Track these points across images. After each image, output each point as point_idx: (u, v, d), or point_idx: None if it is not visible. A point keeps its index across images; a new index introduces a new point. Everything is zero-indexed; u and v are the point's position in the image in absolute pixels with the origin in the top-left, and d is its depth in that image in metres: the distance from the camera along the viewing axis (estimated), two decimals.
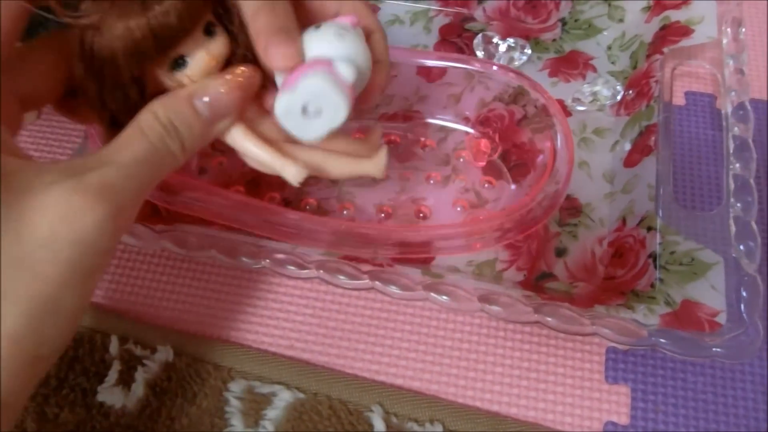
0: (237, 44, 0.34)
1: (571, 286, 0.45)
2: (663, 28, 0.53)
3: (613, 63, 0.55)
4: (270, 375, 0.42)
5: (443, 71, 0.49)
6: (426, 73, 0.51)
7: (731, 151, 0.46)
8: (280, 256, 0.42)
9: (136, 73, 0.32)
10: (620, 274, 0.44)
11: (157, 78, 0.33)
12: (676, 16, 0.53)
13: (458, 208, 0.48)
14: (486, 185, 0.49)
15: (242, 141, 0.35)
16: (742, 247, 0.42)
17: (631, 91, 0.52)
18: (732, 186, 0.44)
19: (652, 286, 0.41)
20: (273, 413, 0.40)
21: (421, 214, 0.48)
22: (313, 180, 0.50)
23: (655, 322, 0.39)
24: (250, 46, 0.34)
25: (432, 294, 0.41)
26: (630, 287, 0.43)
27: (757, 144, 0.46)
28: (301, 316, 0.45)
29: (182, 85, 0.33)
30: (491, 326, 0.44)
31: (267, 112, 0.36)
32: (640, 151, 0.48)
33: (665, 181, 0.45)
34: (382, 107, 0.53)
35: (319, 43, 0.33)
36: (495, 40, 0.56)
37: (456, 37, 0.58)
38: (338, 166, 0.39)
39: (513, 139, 0.49)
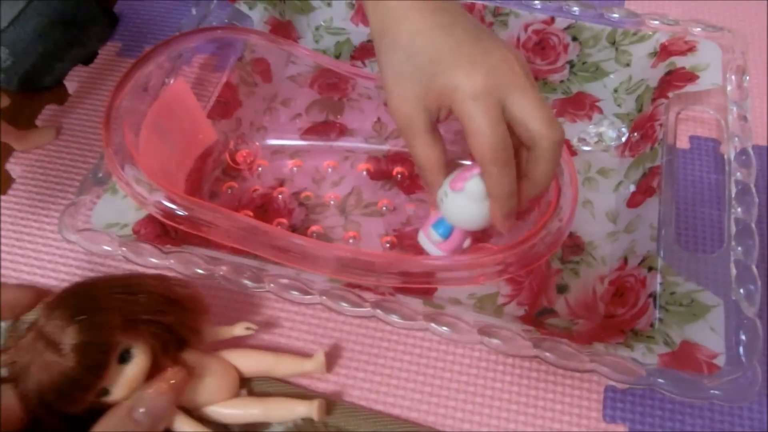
0: (161, 341, 0.38)
1: (571, 323, 0.45)
2: (668, 73, 0.54)
3: (619, 105, 0.56)
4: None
5: None
6: None
7: (733, 195, 0.46)
8: (284, 281, 0.43)
9: (67, 409, 0.35)
10: (620, 312, 0.44)
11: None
12: (681, 62, 0.54)
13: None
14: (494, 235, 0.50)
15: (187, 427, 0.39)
16: (742, 291, 0.42)
17: (636, 134, 0.53)
18: (733, 229, 0.45)
19: (652, 325, 0.42)
20: None
21: None
22: (320, 208, 0.51)
23: (654, 362, 0.40)
24: (169, 338, 0.38)
25: (432, 324, 0.41)
26: (630, 326, 0.43)
27: (759, 189, 0.47)
28: (301, 342, 0.45)
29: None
30: (490, 360, 0.44)
31: (209, 376, 0.40)
32: (643, 192, 0.49)
33: (667, 222, 0.45)
34: (391, 140, 0.54)
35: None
36: None
37: None
38: (284, 368, 0.43)
39: (519, 176, 0.50)
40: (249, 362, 0.42)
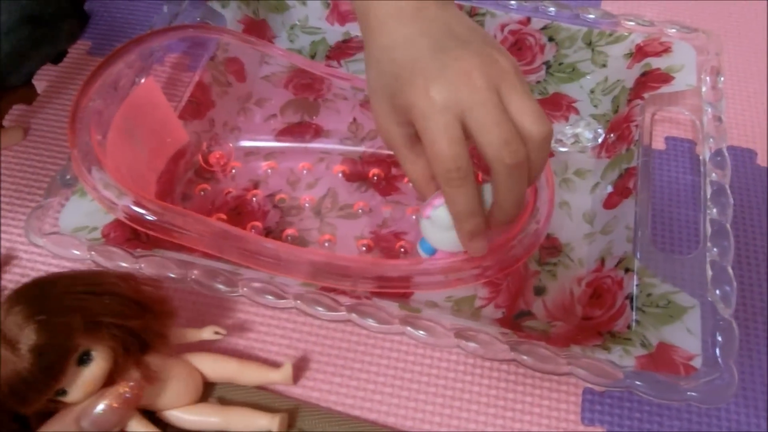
0: (123, 344, 0.37)
1: (548, 325, 0.45)
2: (644, 74, 0.54)
3: (595, 106, 0.56)
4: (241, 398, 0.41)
5: None
6: None
7: (709, 197, 0.46)
8: (257, 285, 0.42)
9: (20, 409, 0.34)
10: (597, 314, 0.44)
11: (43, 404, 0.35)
12: (657, 63, 0.54)
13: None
14: None
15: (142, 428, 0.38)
16: (718, 292, 0.42)
17: (612, 135, 0.53)
18: (709, 230, 0.45)
19: (629, 327, 0.41)
20: None
21: (402, 249, 0.48)
22: (295, 210, 0.50)
23: (631, 364, 0.39)
24: (132, 341, 0.37)
25: (408, 328, 0.41)
26: (607, 328, 0.43)
27: (734, 190, 0.47)
28: (276, 346, 0.45)
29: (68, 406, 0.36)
30: (468, 363, 0.44)
31: (173, 380, 0.39)
32: (619, 193, 0.48)
33: (643, 223, 0.45)
34: (367, 142, 0.54)
35: None
36: None
37: None
38: (249, 376, 0.42)
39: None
40: (214, 367, 0.41)
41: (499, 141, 0.31)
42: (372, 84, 0.36)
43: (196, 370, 0.41)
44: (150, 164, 0.49)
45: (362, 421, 0.41)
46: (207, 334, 0.42)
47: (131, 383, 0.37)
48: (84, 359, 0.35)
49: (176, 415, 0.40)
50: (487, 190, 0.36)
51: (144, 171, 0.48)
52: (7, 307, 0.34)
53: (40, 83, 0.59)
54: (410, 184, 0.51)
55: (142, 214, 0.40)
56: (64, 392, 0.35)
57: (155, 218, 0.40)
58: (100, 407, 0.35)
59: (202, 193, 0.51)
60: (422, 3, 0.35)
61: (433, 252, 0.40)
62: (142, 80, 0.48)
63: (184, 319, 0.45)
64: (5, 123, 0.57)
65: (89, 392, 0.36)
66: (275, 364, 0.43)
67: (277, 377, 0.42)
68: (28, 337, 0.33)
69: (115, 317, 0.36)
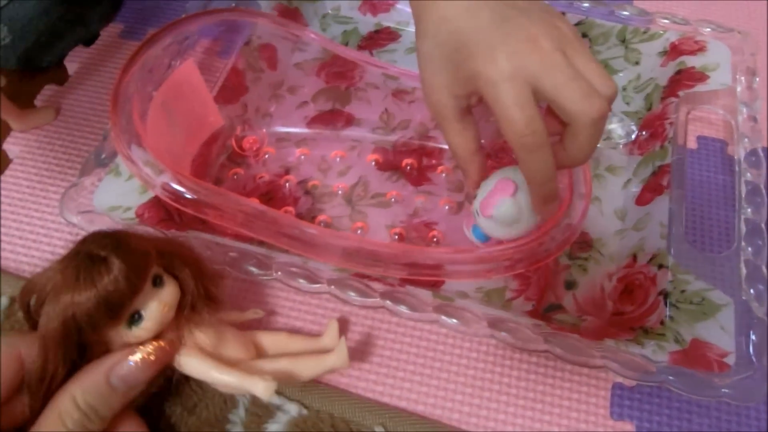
0: (185, 287, 0.37)
1: (579, 320, 0.45)
2: (678, 72, 0.54)
3: (627, 103, 0.56)
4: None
5: None
6: None
7: (743, 196, 0.46)
8: (292, 269, 0.42)
9: (90, 338, 0.34)
10: (629, 310, 0.44)
11: (110, 338, 0.35)
12: (691, 62, 0.54)
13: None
14: None
15: (204, 370, 0.37)
16: (752, 291, 0.42)
17: (645, 132, 0.53)
18: (743, 229, 0.45)
19: (662, 323, 0.41)
20: (274, 427, 0.40)
21: (435, 239, 0.48)
22: (327, 197, 0.50)
23: (665, 359, 0.39)
24: (195, 289, 0.38)
25: (442, 316, 0.41)
26: (639, 323, 0.43)
27: None
28: (305, 332, 0.45)
29: (140, 340, 0.36)
30: (498, 354, 0.44)
31: (227, 339, 0.39)
32: (652, 190, 0.48)
33: (678, 220, 0.45)
34: (398, 131, 0.54)
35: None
36: None
37: None
38: (306, 368, 0.40)
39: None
40: (270, 366, 0.40)
41: (581, 95, 0.32)
42: (427, 56, 0.36)
43: (250, 341, 0.41)
44: (186, 147, 0.49)
45: (391, 408, 0.41)
46: (250, 314, 0.42)
47: (156, 344, 0.36)
48: (157, 282, 0.36)
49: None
50: None
51: (180, 153, 0.48)
52: (85, 239, 0.35)
53: (71, 65, 0.59)
54: (443, 175, 0.51)
55: (180, 191, 0.40)
56: (140, 316, 0.35)
57: (193, 196, 0.40)
58: (129, 361, 0.35)
59: (235, 177, 0.51)
60: None
61: (487, 239, 0.41)
62: (178, 63, 0.48)
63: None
64: (37, 103, 0.57)
65: (162, 318, 0.36)
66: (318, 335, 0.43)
67: (335, 360, 0.40)
68: (114, 254, 0.34)
69: (179, 256, 0.38)
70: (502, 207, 0.37)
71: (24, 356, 0.34)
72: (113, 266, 0.33)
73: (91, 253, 0.34)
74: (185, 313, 0.37)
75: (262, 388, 0.36)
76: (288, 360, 0.40)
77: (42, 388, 0.34)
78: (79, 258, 0.34)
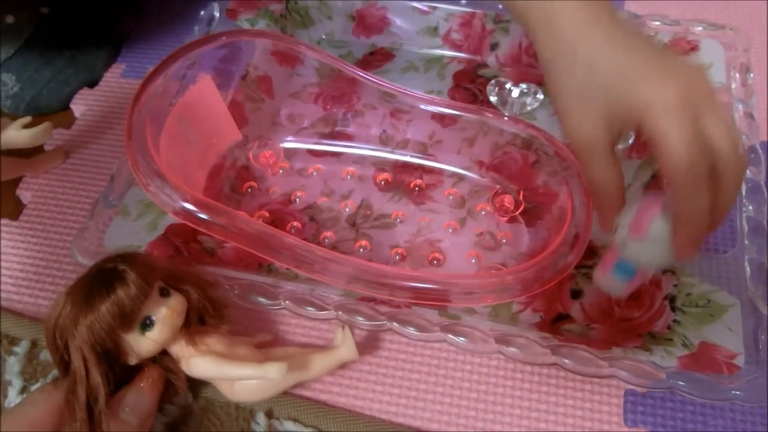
0: (190, 300, 0.40)
1: (587, 328, 0.45)
2: None
3: None
4: (287, 412, 0.42)
5: (457, 116, 0.51)
6: (440, 118, 0.52)
7: (744, 194, 0.46)
8: (299, 297, 0.43)
9: (113, 349, 0.37)
10: (636, 315, 0.44)
11: (129, 346, 0.37)
12: None
13: (472, 260, 0.49)
14: (504, 240, 0.50)
15: (217, 367, 0.39)
16: (757, 290, 0.42)
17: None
18: (746, 228, 0.45)
19: (669, 328, 0.42)
20: None
21: (435, 261, 0.49)
22: (331, 222, 0.51)
23: (673, 365, 0.40)
24: (200, 302, 0.40)
25: (450, 336, 0.41)
26: (646, 329, 0.43)
27: None
28: None
29: (153, 347, 0.38)
30: (508, 368, 0.44)
31: (238, 346, 0.41)
32: None
33: None
34: (398, 152, 0.55)
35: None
36: (508, 86, 0.57)
37: (470, 83, 0.59)
38: (318, 364, 0.42)
39: (527, 183, 0.50)
40: (279, 352, 0.43)
41: (734, 142, 0.32)
42: (577, 89, 0.36)
43: (260, 352, 0.42)
44: (202, 161, 0.51)
45: (407, 428, 0.42)
46: (259, 338, 0.44)
47: (150, 368, 0.39)
48: (163, 292, 0.38)
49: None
50: None
51: (195, 167, 0.50)
52: (101, 264, 0.38)
53: (77, 107, 0.61)
54: (443, 195, 0.52)
55: (192, 210, 0.41)
56: (151, 322, 0.37)
57: (205, 216, 0.41)
58: (133, 391, 0.38)
59: (250, 189, 0.53)
60: (610, 11, 0.36)
61: (633, 274, 0.39)
62: (179, 98, 0.49)
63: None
64: (46, 146, 0.58)
65: (172, 323, 0.38)
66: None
67: (344, 353, 0.42)
68: (121, 267, 0.36)
69: (182, 278, 0.40)
70: (657, 223, 0.36)
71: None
72: (124, 274, 0.36)
73: (102, 268, 0.37)
74: (194, 323, 0.40)
75: (275, 370, 0.38)
76: (298, 359, 0.42)
77: (88, 412, 0.36)
78: (90, 276, 0.37)
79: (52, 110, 0.60)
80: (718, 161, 0.33)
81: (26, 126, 0.50)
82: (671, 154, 0.32)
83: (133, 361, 0.38)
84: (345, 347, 0.42)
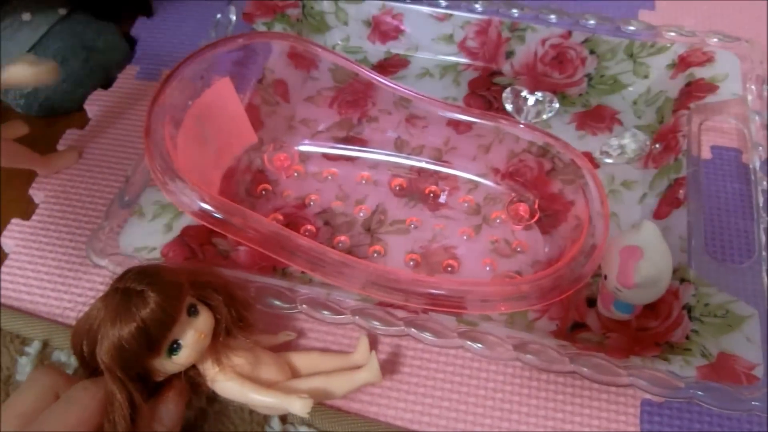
0: (219, 314, 0.39)
1: (603, 337, 0.45)
2: (688, 84, 0.54)
3: (638, 117, 0.57)
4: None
5: (472, 123, 0.51)
6: (455, 124, 0.52)
7: (762, 205, 0.46)
8: (316, 301, 0.43)
9: (139, 367, 0.37)
10: (653, 325, 0.44)
11: (154, 368, 0.38)
12: (700, 73, 0.54)
13: (487, 267, 0.49)
14: (518, 248, 0.50)
15: (243, 393, 0.39)
16: None
17: (658, 145, 0.53)
18: (763, 239, 0.45)
19: (687, 337, 0.41)
20: None
21: (450, 268, 0.49)
22: (346, 227, 0.51)
23: (692, 375, 0.39)
24: (228, 315, 0.39)
25: (467, 342, 0.41)
26: (664, 339, 0.43)
27: None
28: None
29: (179, 368, 0.38)
30: (524, 376, 0.44)
31: (263, 361, 0.40)
32: (669, 203, 0.49)
33: (696, 233, 0.45)
34: (413, 157, 0.54)
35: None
36: (523, 93, 0.58)
37: (485, 91, 0.59)
38: (339, 385, 0.42)
39: (543, 190, 0.50)
40: (305, 386, 0.41)
41: None
42: None
43: (284, 362, 0.42)
44: (217, 162, 0.50)
45: None
46: (282, 337, 0.44)
47: (173, 382, 0.39)
48: (192, 311, 0.38)
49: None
50: None
51: (211, 168, 0.50)
52: (122, 277, 0.37)
53: (91, 107, 0.61)
54: (458, 201, 0.52)
55: (209, 210, 0.41)
56: (178, 345, 0.37)
57: (220, 216, 0.41)
58: (165, 406, 0.38)
59: (264, 192, 0.53)
60: None
61: (633, 308, 0.43)
62: (194, 101, 0.49)
63: None
64: (60, 147, 0.58)
65: (199, 344, 0.37)
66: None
67: (367, 375, 0.41)
68: (149, 288, 0.36)
69: (211, 285, 0.40)
70: (642, 272, 0.39)
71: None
72: (150, 299, 0.35)
73: (128, 289, 0.36)
74: (221, 339, 0.39)
75: (299, 406, 0.37)
76: (322, 379, 0.41)
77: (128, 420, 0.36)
78: (117, 294, 0.36)
79: (65, 111, 0.60)
80: None
81: (34, 128, 0.49)
82: None
83: (159, 378, 0.38)
84: (369, 371, 0.41)
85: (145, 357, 0.36)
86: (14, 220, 0.53)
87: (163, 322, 0.36)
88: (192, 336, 0.37)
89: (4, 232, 0.53)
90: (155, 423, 0.37)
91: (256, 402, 0.39)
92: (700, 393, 0.38)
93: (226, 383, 0.39)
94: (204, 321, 0.38)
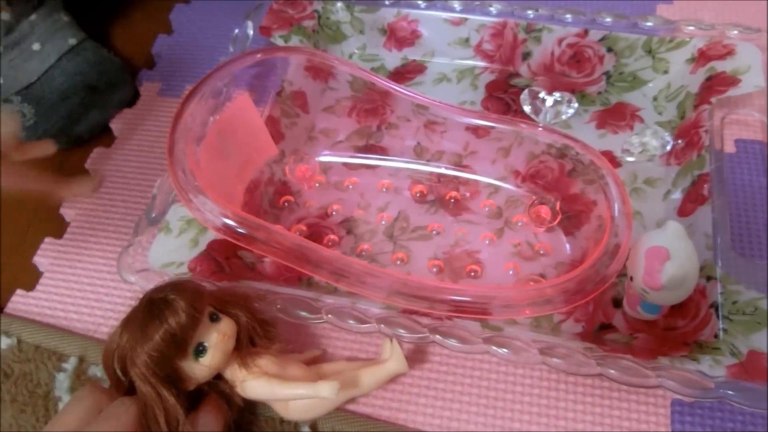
0: (239, 323, 0.41)
1: (630, 338, 0.45)
2: (709, 78, 0.53)
3: (659, 113, 0.56)
4: (331, 425, 0.43)
5: (491, 127, 0.51)
6: (474, 128, 0.52)
7: None
8: (341, 311, 0.43)
9: (170, 370, 0.38)
10: (681, 324, 0.44)
11: (184, 372, 0.39)
12: (721, 66, 0.53)
13: (510, 271, 0.49)
14: (541, 251, 0.50)
15: (270, 388, 0.40)
16: None
17: (680, 141, 0.53)
18: None
19: (716, 336, 0.41)
20: None
21: (473, 273, 0.49)
22: (368, 234, 0.51)
23: (722, 374, 0.39)
24: (250, 324, 0.41)
25: (493, 347, 0.41)
26: (692, 338, 0.42)
27: None
28: None
29: (207, 372, 0.39)
30: (552, 378, 0.44)
31: (290, 366, 0.41)
32: (693, 200, 0.48)
33: (722, 230, 0.45)
34: (433, 164, 0.55)
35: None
36: (541, 95, 0.57)
37: (502, 93, 0.59)
38: (368, 379, 0.43)
39: (564, 191, 0.50)
40: (328, 367, 0.44)
41: None
42: None
43: (311, 368, 0.43)
44: (240, 175, 0.51)
45: None
46: (308, 354, 0.45)
47: (211, 396, 0.41)
48: (213, 318, 0.39)
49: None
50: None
51: (234, 182, 0.51)
52: (145, 294, 0.39)
53: (117, 126, 0.62)
54: (480, 206, 0.52)
55: (233, 226, 0.42)
56: (204, 348, 0.38)
57: (244, 231, 0.42)
58: (203, 416, 0.40)
59: (287, 203, 0.54)
60: None
61: (660, 309, 0.43)
62: (216, 116, 0.50)
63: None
64: (87, 166, 0.60)
65: (224, 347, 0.39)
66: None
67: (394, 366, 0.42)
68: (170, 295, 0.38)
69: (230, 301, 0.41)
70: (668, 273, 0.39)
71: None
72: (174, 303, 0.37)
73: (153, 298, 0.38)
74: (245, 346, 0.41)
75: (327, 389, 0.38)
76: (349, 374, 0.43)
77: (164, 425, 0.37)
78: (142, 307, 0.38)
79: (61, 144, 0.60)
80: None
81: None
82: None
83: (191, 387, 0.39)
84: (394, 360, 0.42)
85: (174, 358, 0.38)
86: (47, 239, 0.55)
87: (188, 325, 0.37)
88: (216, 337, 0.39)
89: (38, 252, 0.54)
90: None
91: (283, 395, 0.40)
92: (730, 393, 0.38)
93: (254, 382, 0.40)
94: (226, 324, 0.40)
